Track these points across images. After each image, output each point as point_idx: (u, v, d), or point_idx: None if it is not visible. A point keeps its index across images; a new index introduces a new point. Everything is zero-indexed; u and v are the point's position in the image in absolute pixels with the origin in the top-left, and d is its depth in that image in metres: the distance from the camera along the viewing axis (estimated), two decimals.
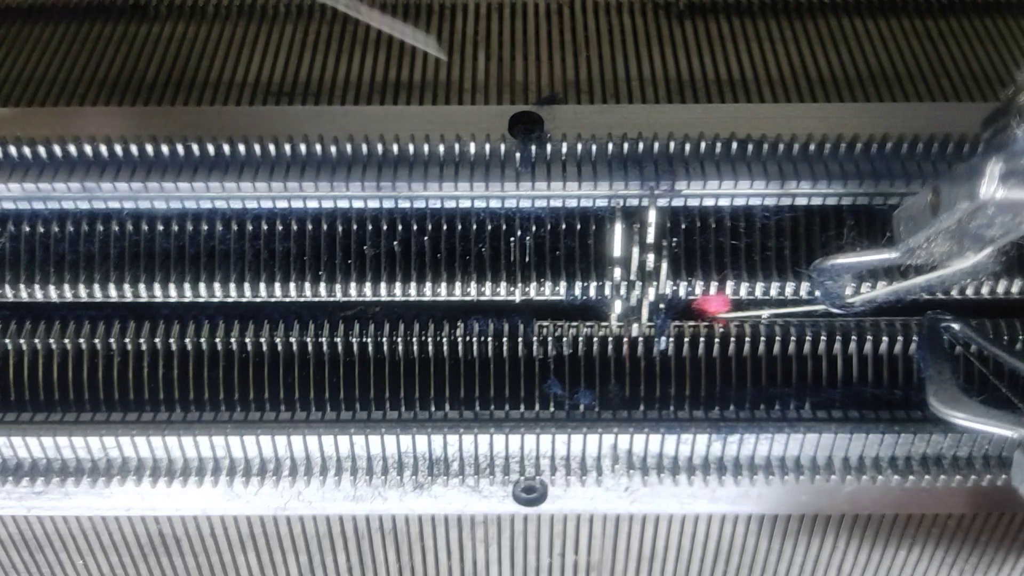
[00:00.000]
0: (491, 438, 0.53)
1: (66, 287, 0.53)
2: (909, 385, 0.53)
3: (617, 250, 0.51)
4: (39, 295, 0.54)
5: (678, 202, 0.53)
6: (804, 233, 0.54)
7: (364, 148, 0.53)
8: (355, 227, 0.54)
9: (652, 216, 0.51)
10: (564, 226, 0.54)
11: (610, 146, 0.52)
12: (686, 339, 0.54)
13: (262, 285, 0.53)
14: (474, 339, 0.54)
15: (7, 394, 0.54)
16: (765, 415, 0.52)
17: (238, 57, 0.63)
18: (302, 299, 0.54)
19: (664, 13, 0.67)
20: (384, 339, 0.54)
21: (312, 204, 0.53)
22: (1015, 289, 0.54)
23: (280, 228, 0.54)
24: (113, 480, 0.53)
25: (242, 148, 0.52)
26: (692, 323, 0.54)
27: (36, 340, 0.54)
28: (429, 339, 0.54)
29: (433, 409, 0.53)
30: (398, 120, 0.55)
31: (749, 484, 0.53)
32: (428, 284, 0.53)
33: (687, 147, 0.53)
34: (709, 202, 0.53)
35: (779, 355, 0.54)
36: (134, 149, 0.52)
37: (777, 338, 0.54)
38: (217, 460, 0.53)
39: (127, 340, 0.54)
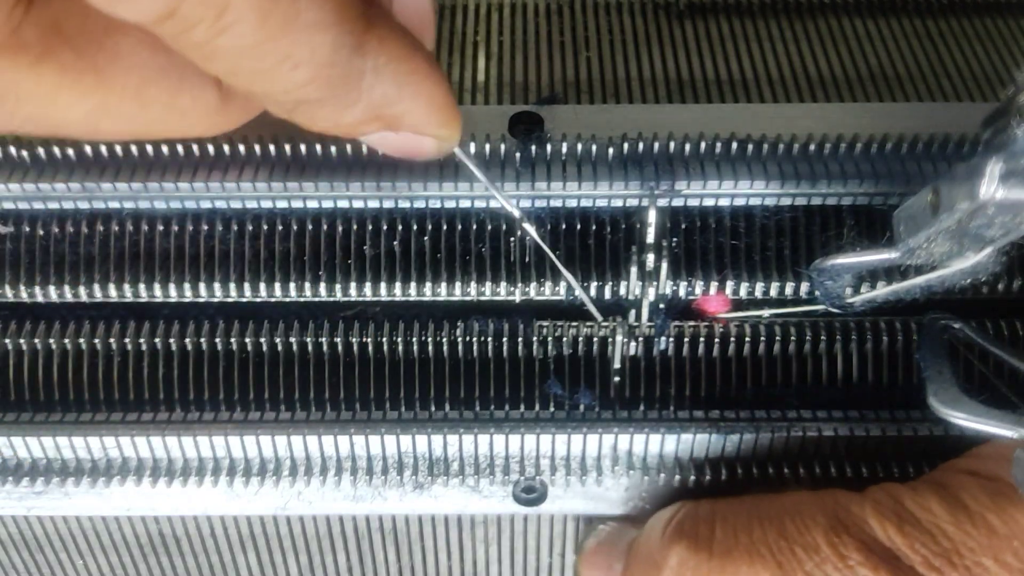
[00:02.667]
0: (491, 438, 0.53)
1: (66, 287, 0.54)
2: (909, 385, 0.53)
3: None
4: (39, 295, 0.54)
5: (678, 202, 0.53)
6: (804, 233, 0.54)
7: (364, 148, 0.53)
8: (355, 227, 0.54)
9: (652, 216, 0.51)
10: (564, 226, 0.54)
11: (610, 146, 0.52)
12: (686, 339, 0.54)
13: (262, 285, 0.53)
14: (474, 339, 0.54)
15: (7, 394, 0.54)
16: (765, 415, 0.52)
17: None
18: (302, 299, 0.54)
19: (664, 13, 0.67)
20: (384, 339, 0.54)
21: (312, 204, 0.53)
22: (1015, 289, 0.54)
23: (280, 228, 0.54)
24: (113, 480, 0.53)
25: (242, 148, 0.52)
26: (692, 323, 0.54)
27: (36, 340, 0.54)
28: (429, 339, 0.54)
29: (433, 409, 0.53)
30: None
31: (750, 484, 0.53)
32: (428, 284, 0.53)
33: (687, 147, 0.53)
34: (709, 202, 0.53)
35: (779, 355, 0.54)
36: (134, 149, 0.52)
37: (777, 338, 0.54)
38: (217, 460, 0.53)
39: (127, 340, 0.54)
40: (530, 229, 0.50)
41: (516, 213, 0.49)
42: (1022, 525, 0.43)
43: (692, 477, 0.53)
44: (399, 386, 0.54)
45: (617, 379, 0.53)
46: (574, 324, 0.54)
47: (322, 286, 0.53)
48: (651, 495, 0.54)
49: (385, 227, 0.54)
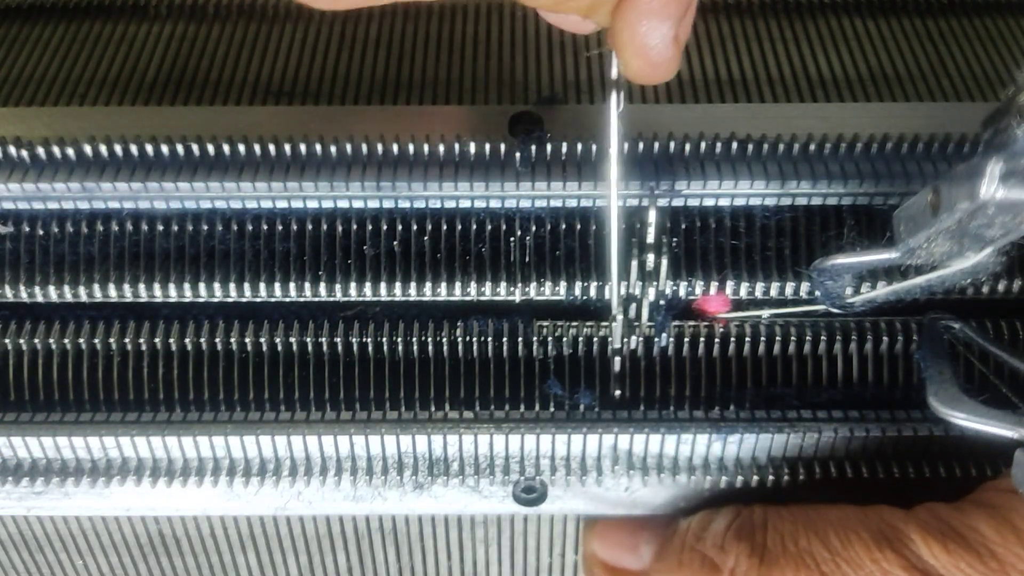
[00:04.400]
0: (491, 438, 0.53)
1: (66, 287, 0.54)
2: (909, 385, 0.53)
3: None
4: (39, 295, 0.54)
5: (678, 202, 0.53)
6: (804, 233, 0.54)
7: (364, 148, 0.53)
8: (355, 227, 0.54)
9: (652, 216, 0.51)
10: (564, 226, 0.54)
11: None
12: (686, 339, 0.54)
13: (262, 285, 0.53)
14: (474, 339, 0.54)
15: (7, 394, 0.54)
16: (765, 415, 0.52)
17: (238, 57, 0.63)
18: (302, 299, 0.54)
19: None
20: (384, 339, 0.54)
21: (312, 204, 0.53)
22: (1015, 289, 0.54)
23: (280, 228, 0.54)
24: (113, 480, 0.53)
25: (242, 148, 0.52)
26: (692, 323, 0.54)
27: (36, 340, 0.54)
28: (429, 339, 0.54)
29: (433, 409, 0.53)
30: (398, 120, 0.55)
31: (749, 484, 0.53)
32: (428, 284, 0.53)
33: (687, 147, 0.53)
34: (709, 202, 0.53)
35: (779, 355, 0.54)
36: (134, 149, 0.52)
37: (777, 338, 0.54)
38: (217, 460, 0.53)
39: (127, 340, 0.54)
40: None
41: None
42: None
43: (692, 477, 0.53)
44: (399, 386, 0.54)
45: (617, 369, 0.53)
46: (574, 324, 0.54)
47: (322, 286, 0.53)
48: (651, 495, 0.54)
49: (385, 227, 0.54)
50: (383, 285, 0.53)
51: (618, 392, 0.53)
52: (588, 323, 0.54)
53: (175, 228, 0.54)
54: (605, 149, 0.49)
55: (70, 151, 0.52)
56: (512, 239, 0.54)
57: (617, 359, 0.52)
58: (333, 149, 0.52)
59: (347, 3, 0.37)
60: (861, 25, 0.66)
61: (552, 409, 0.53)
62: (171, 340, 0.54)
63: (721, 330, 0.54)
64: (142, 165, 0.53)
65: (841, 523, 0.47)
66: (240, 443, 0.53)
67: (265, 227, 0.54)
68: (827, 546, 0.46)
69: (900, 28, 0.66)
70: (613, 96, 0.46)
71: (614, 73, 0.45)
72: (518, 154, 0.53)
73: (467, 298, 0.54)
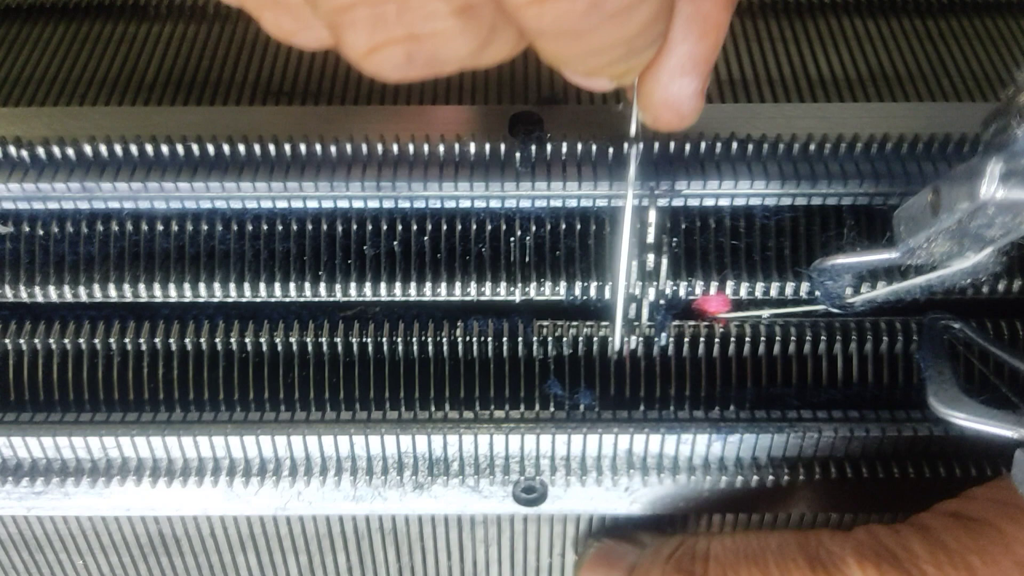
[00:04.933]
0: (491, 438, 0.53)
1: (66, 287, 0.54)
2: (909, 385, 0.53)
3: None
4: (39, 295, 0.54)
5: (678, 202, 0.53)
6: (804, 233, 0.54)
7: (364, 148, 0.53)
8: (355, 227, 0.54)
9: (652, 216, 0.51)
10: (564, 226, 0.54)
11: (610, 146, 0.52)
12: (686, 339, 0.54)
13: (262, 285, 0.53)
14: (474, 339, 0.54)
15: (7, 394, 0.54)
16: (765, 415, 0.52)
17: (238, 57, 0.63)
18: (302, 299, 0.54)
19: None
20: (384, 339, 0.54)
21: (312, 204, 0.53)
22: (1015, 289, 0.54)
23: (280, 228, 0.54)
24: (113, 480, 0.53)
25: (242, 148, 0.52)
26: (692, 323, 0.54)
27: (36, 340, 0.54)
28: (429, 339, 0.54)
29: (433, 409, 0.53)
30: (398, 120, 0.55)
31: (749, 484, 0.53)
32: (428, 284, 0.53)
33: (687, 147, 0.53)
34: (709, 202, 0.53)
35: (779, 355, 0.54)
36: (134, 149, 0.52)
37: (777, 338, 0.54)
38: (217, 460, 0.53)
39: (127, 340, 0.54)
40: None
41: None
42: (1003, 567, 0.43)
43: (692, 477, 0.53)
44: (399, 386, 0.54)
45: (616, 358, 0.53)
46: (574, 324, 0.54)
47: (322, 286, 0.53)
48: (651, 495, 0.54)
49: (385, 227, 0.54)
50: (383, 285, 0.53)
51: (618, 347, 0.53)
52: (588, 323, 0.54)
53: (175, 228, 0.54)
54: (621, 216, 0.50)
55: (70, 151, 0.52)
56: (512, 239, 0.54)
57: (619, 329, 0.52)
58: (333, 149, 0.52)
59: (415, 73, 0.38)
60: (861, 25, 0.66)
61: (552, 409, 0.53)
62: (171, 340, 0.54)
63: (721, 330, 0.54)
64: (142, 165, 0.53)
65: (780, 551, 0.48)
66: (240, 443, 0.53)
67: (265, 227, 0.54)
68: (766, 575, 0.47)
69: (900, 28, 0.66)
70: (632, 152, 0.48)
71: (632, 130, 0.47)
72: (518, 154, 0.53)
73: (467, 298, 0.54)
